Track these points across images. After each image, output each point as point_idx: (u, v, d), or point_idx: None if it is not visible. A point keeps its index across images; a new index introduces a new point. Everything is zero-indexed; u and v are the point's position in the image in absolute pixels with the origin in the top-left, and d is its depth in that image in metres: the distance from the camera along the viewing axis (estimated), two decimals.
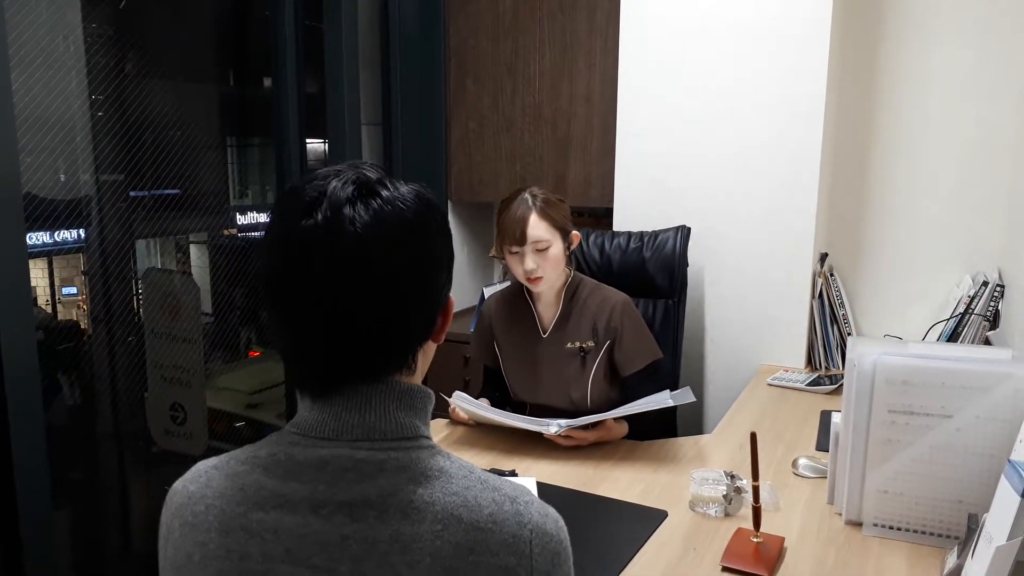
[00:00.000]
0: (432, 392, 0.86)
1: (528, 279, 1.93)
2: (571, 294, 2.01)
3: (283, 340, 0.80)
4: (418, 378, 0.87)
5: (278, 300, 0.79)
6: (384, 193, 0.79)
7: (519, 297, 2.07)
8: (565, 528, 0.81)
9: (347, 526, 0.75)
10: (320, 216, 0.76)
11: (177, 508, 0.82)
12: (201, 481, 0.83)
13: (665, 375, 2.23)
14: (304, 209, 0.77)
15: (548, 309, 2.04)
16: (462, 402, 1.93)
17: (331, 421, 0.79)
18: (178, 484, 0.84)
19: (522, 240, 1.89)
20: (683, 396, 1.80)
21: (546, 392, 2.03)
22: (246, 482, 0.79)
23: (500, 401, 2.13)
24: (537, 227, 1.89)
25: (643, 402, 1.82)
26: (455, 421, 2.01)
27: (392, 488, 0.76)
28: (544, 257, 1.90)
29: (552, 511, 0.80)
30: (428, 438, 0.83)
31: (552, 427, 1.81)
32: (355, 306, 0.76)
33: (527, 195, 1.93)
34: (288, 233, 0.77)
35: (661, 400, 1.79)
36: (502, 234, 1.93)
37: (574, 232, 1.98)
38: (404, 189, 0.81)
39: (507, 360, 2.08)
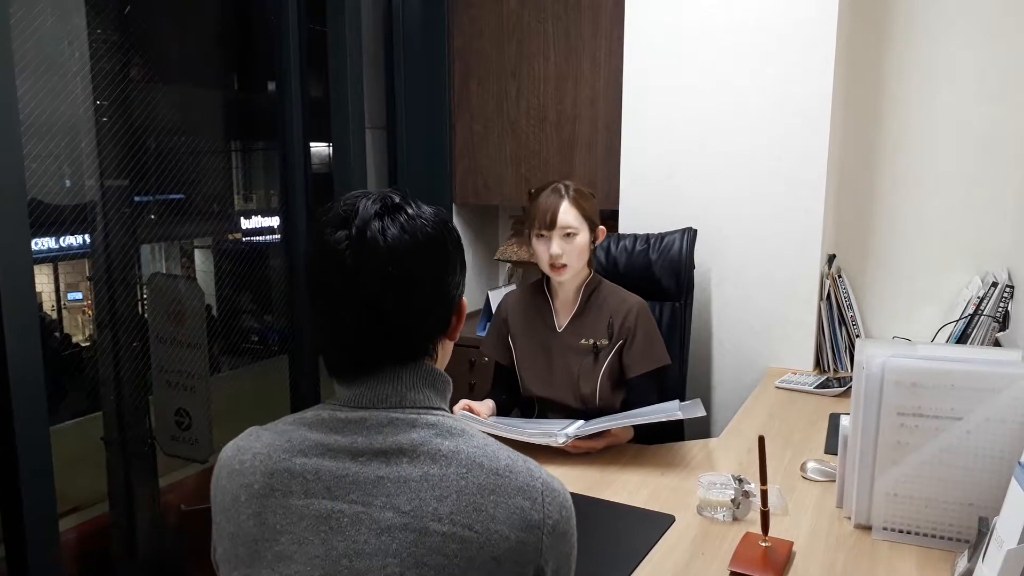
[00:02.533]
0: (450, 379, 0.98)
1: (552, 265, 1.95)
2: (589, 293, 2.04)
3: (320, 331, 0.93)
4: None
5: (317, 297, 0.92)
6: (409, 211, 0.92)
7: (538, 293, 2.10)
8: (569, 494, 0.91)
9: (382, 469, 0.86)
10: (353, 228, 0.89)
11: (227, 460, 0.94)
12: (251, 438, 0.94)
13: (671, 380, 2.23)
14: (339, 222, 0.90)
15: (566, 306, 2.05)
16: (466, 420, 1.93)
17: (367, 393, 0.91)
18: (230, 443, 0.96)
19: (552, 224, 1.93)
20: (693, 409, 1.80)
21: (556, 386, 2.03)
22: (293, 435, 0.91)
23: (508, 404, 2.14)
24: (568, 213, 1.94)
25: (652, 410, 1.83)
26: None
27: (422, 439, 0.88)
28: (571, 244, 1.94)
29: (558, 479, 0.92)
30: (449, 411, 0.95)
31: (560, 437, 1.80)
32: (380, 302, 0.89)
33: (560, 185, 1.99)
34: (325, 242, 0.90)
35: (670, 411, 1.79)
36: (532, 218, 1.98)
37: (601, 227, 2.02)
38: (426, 209, 0.94)
39: (521, 354, 2.09)
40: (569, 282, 2.03)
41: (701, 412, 1.79)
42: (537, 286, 2.11)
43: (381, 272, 0.88)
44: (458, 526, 0.83)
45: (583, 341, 2.02)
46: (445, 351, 1.00)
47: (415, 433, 0.88)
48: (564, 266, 1.95)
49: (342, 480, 0.86)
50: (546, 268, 1.99)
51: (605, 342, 2.00)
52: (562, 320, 2.05)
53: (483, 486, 0.85)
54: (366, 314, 0.89)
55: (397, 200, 0.93)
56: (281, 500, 0.87)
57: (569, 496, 0.91)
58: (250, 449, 0.92)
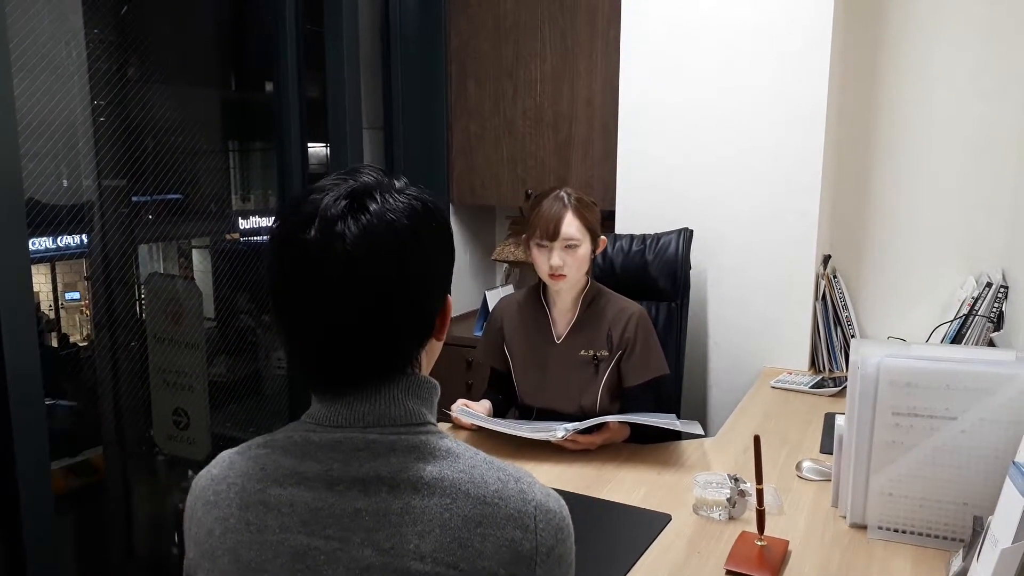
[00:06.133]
0: (437, 383, 0.89)
1: (551, 275, 1.94)
2: (588, 302, 2.02)
3: (288, 345, 0.85)
4: (424, 373, 0.90)
5: (279, 309, 0.84)
6: (373, 207, 0.80)
7: (534, 302, 2.07)
8: (566, 507, 0.85)
9: (360, 500, 0.79)
10: (313, 232, 0.79)
11: (201, 491, 0.87)
12: (223, 465, 0.88)
13: (668, 387, 2.23)
14: (299, 225, 0.80)
15: (563, 315, 2.03)
16: (465, 416, 1.94)
17: (343, 410, 0.83)
18: (202, 471, 0.90)
19: (555, 235, 1.90)
20: (690, 427, 1.82)
21: (556, 397, 2.03)
22: (266, 462, 0.84)
23: (503, 404, 2.14)
24: (571, 225, 1.91)
25: (651, 415, 1.84)
26: (458, 426, 2.01)
27: (402, 466, 0.80)
28: (572, 255, 1.92)
29: (554, 492, 0.85)
30: (435, 424, 0.87)
31: (559, 432, 1.81)
32: (347, 318, 0.80)
33: (563, 193, 1.95)
34: (285, 248, 0.82)
35: (668, 420, 1.81)
36: (534, 227, 1.94)
37: (602, 237, 2.00)
38: (398, 199, 0.82)
39: (518, 364, 2.08)
40: (567, 291, 2.00)
41: (699, 431, 1.81)
42: (533, 293, 2.08)
43: (341, 283, 0.78)
44: (441, 565, 0.76)
45: (582, 352, 2.00)
46: (431, 352, 0.91)
47: (394, 458, 0.80)
48: (564, 276, 1.93)
49: (318, 513, 0.80)
50: (545, 277, 1.97)
51: (605, 353, 1.99)
52: (560, 330, 2.04)
53: (469, 518, 0.78)
54: (332, 329, 0.80)
55: (367, 189, 0.81)
56: (256, 536, 0.81)
57: (567, 513, 0.84)
58: (224, 479, 0.86)
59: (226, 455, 0.89)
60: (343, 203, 0.80)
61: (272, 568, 0.80)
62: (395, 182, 0.85)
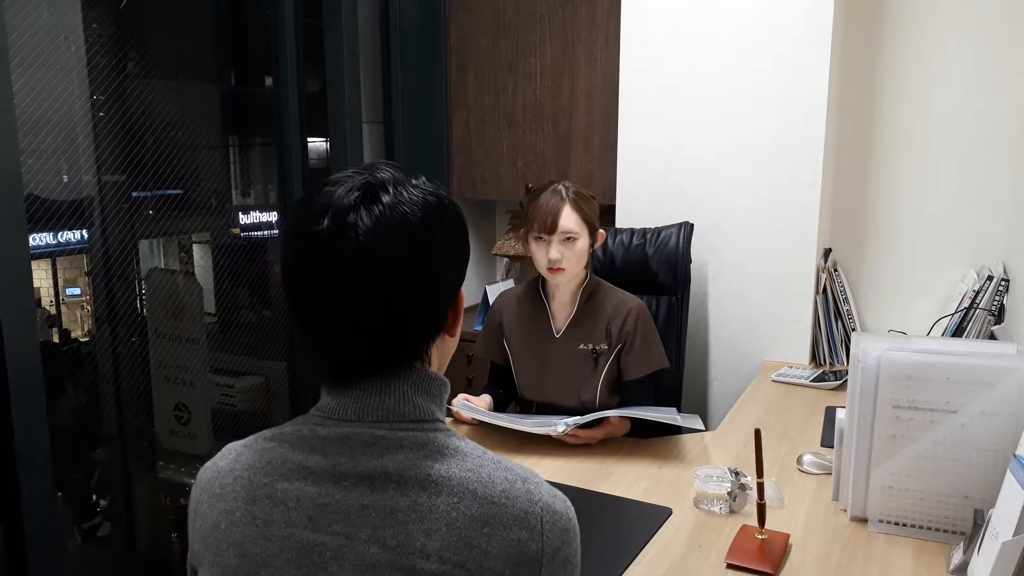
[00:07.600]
0: (447, 380, 0.90)
1: (550, 269, 1.93)
2: (587, 295, 2.01)
3: (300, 334, 0.85)
4: (437, 371, 0.90)
5: (292, 298, 0.84)
6: (385, 199, 0.81)
7: (534, 296, 2.07)
8: (573, 509, 0.85)
9: (367, 496, 0.79)
10: (326, 222, 0.80)
11: (207, 483, 0.87)
12: (230, 457, 0.88)
13: (668, 381, 2.23)
14: (313, 215, 0.81)
15: (563, 309, 2.03)
16: (466, 411, 1.94)
17: (353, 404, 0.83)
18: (208, 463, 0.90)
19: (552, 229, 1.90)
20: (691, 421, 1.81)
21: (555, 392, 2.03)
22: (273, 456, 0.84)
23: (504, 399, 2.14)
24: (569, 218, 1.90)
25: (651, 409, 1.84)
26: (459, 420, 2.01)
27: (410, 463, 0.80)
28: (570, 249, 1.91)
29: (560, 493, 0.84)
30: (443, 422, 0.87)
31: (559, 426, 1.81)
32: (358, 307, 0.80)
33: (560, 186, 1.95)
34: (298, 238, 0.82)
35: (669, 415, 1.80)
36: (531, 221, 1.94)
37: (600, 231, 1.99)
38: (412, 193, 0.83)
39: (517, 358, 2.08)
40: (566, 285, 2.00)
41: (700, 426, 1.81)
42: (532, 287, 2.08)
43: (353, 273, 0.79)
44: (448, 564, 0.76)
45: (582, 346, 2.00)
46: (443, 349, 0.91)
47: (402, 455, 0.80)
48: (562, 269, 1.93)
49: (325, 509, 0.79)
50: (543, 271, 1.96)
51: (604, 347, 1.99)
52: (559, 324, 2.03)
53: (476, 517, 0.77)
54: (342, 319, 0.81)
55: (381, 183, 0.82)
56: (263, 530, 0.81)
57: (573, 515, 0.84)
58: (231, 472, 0.86)
59: (232, 447, 0.89)
60: (355, 195, 0.81)
61: (278, 563, 0.80)
62: (412, 179, 0.86)
